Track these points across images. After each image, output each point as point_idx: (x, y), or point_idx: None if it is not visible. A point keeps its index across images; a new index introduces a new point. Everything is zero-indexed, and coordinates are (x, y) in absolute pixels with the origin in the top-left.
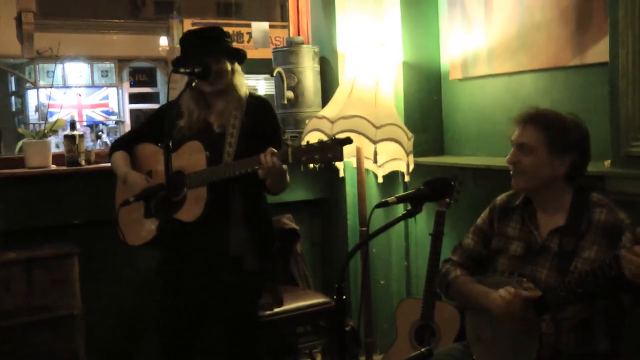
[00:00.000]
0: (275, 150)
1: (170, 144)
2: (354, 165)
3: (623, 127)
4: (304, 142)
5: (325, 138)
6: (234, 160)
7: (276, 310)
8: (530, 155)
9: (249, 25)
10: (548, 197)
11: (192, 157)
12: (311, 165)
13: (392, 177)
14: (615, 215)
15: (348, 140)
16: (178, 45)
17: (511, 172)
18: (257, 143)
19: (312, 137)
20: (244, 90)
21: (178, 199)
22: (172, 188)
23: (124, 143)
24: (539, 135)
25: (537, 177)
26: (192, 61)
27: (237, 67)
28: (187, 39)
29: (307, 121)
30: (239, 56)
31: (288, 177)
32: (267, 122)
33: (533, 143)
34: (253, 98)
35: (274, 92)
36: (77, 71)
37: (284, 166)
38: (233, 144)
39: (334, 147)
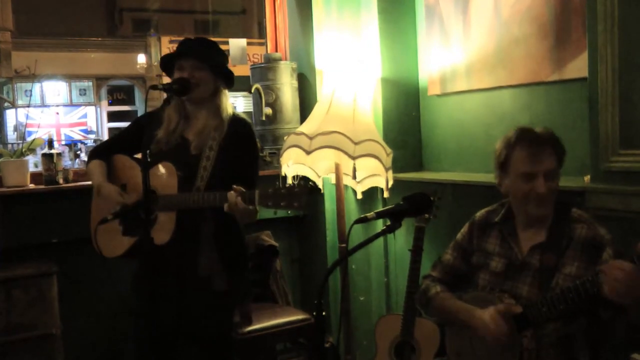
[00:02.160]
0: (243, 190)
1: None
2: (333, 181)
3: (603, 142)
4: (285, 161)
5: (304, 154)
6: (206, 184)
7: (255, 327)
8: (555, 179)
9: (226, 43)
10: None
11: (164, 177)
12: (290, 181)
13: (371, 193)
14: (596, 231)
15: (316, 190)
16: (156, 63)
17: (532, 200)
18: (232, 169)
19: (291, 154)
20: (227, 113)
21: (151, 218)
22: (147, 207)
23: (102, 151)
24: (555, 157)
25: (555, 198)
26: (176, 62)
27: (223, 90)
28: (181, 43)
29: (285, 137)
30: (225, 75)
31: (258, 214)
32: (244, 149)
33: (555, 166)
34: (236, 121)
35: (252, 109)
36: (55, 90)
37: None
38: (208, 168)
39: (300, 196)
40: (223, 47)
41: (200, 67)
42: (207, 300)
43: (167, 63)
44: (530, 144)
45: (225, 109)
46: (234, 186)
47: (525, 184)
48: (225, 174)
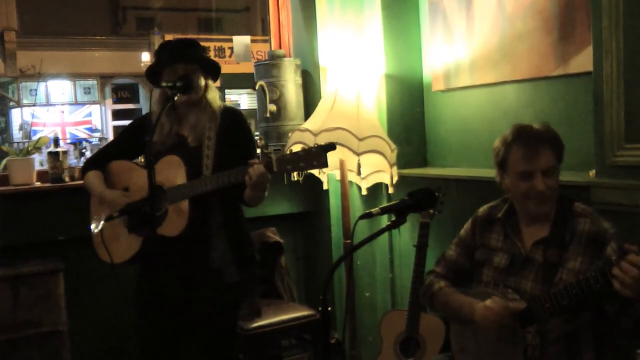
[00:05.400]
0: (258, 161)
1: (144, 159)
2: (338, 177)
3: (607, 136)
4: (287, 151)
5: (309, 144)
6: (212, 171)
7: (260, 323)
8: (553, 176)
9: (230, 40)
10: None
11: (170, 171)
12: (295, 177)
13: (375, 189)
14: (600, 225)
15: (332, 147)
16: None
17: (531, 199)
18: (233, 154)
19: (296, 150)
20: (217, 104)
21: (159, 214)
22: (154, 203)
23: (95, 162)
24: (553, 153)
25: (556, 195)
26: (164, 68)
27: (210, 82)
28: (162, 48)
29: (290, 134)
30: (213, 69)
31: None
32: (240, 133)
33: (553, 163)
34: (226, 110)
35: (256, 106)
36: (59, 89)
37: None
38: (211, 156)
39: (318, 155)
40: (227, 44)
41: (191, 68)
42: (215, 293)
43: (153, 71)
44: (526, 142)
45: (215, 101)
46: (250, 161)
47: (524, 183)
48: (228, 160)
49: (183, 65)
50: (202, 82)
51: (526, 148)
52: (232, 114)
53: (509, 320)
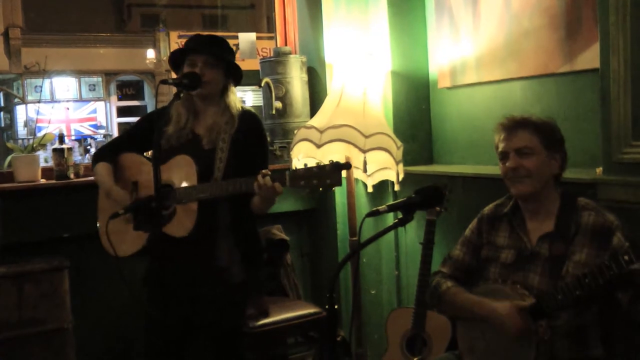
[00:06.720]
0: (270, 173)
1: (152, 153)
2: (344, 174)
3: (614, 133)
4: (295, 154)
5: (315, 148)
6: (223, 175)
7: (266, 321)
8: (532, 157)
9: (235, 37)
10: (540, 203)
11: (181, 171)
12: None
13: (381, 187)
14: (604, 217)
15: (347, 165)
16: (165, 58)
17: (509, 180)
18: (246, 161)
19: (301, 147)
20: (236, 108)
21: (167, 213)
22: (161, 201)
23: (108, 152)
24: (533, 137)
25: (540, 178)
26: (185, 58)
27: (232, 87)
28: (190, 39)
29: (295, 131)
30: (235, 73)
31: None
32: (255, 140)
33: (531, 144)
34: (246, 115)
35: (261, 103)
36: (64, 85)
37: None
38: (224, 159)
39: (332, 173)
40: (232, 41)
41: (213, 64)
42: (221, 292)
43: (177, 58)
44: (504, 127)
45: (235, 105)
46: (263, 171)
47: (502, 164)
48: (239, 165)
49: (202, 58)
50: (221, 80)
51: (504, 131)
52: (249, 120)
53: (524, 324)
